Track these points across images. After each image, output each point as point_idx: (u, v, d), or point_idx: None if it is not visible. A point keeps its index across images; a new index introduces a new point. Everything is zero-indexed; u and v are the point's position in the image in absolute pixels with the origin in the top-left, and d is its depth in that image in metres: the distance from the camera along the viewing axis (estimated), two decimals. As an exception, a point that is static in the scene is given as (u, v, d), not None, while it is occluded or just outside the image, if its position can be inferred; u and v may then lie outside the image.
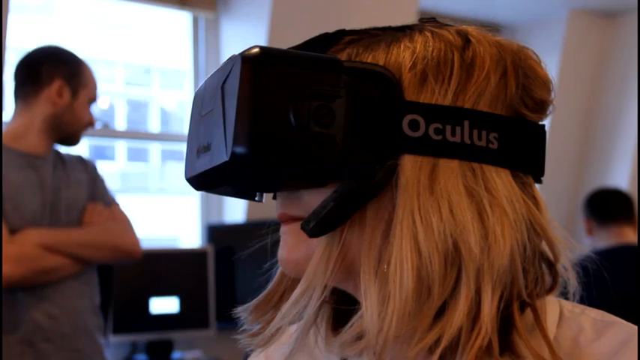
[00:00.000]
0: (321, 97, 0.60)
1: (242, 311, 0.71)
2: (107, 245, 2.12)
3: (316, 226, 0.61)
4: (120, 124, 4.72)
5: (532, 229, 0.64)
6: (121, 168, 5.45)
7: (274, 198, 0.71)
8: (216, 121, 0.62)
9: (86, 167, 2.22)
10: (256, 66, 0.59)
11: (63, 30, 4.18)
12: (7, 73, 2.48)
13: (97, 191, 2.21)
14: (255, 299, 0.72)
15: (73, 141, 2.20)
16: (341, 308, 0.69)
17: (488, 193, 0.62)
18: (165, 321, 2.92)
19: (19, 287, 1.99)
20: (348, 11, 3.29)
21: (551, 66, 4.44)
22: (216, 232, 3.26)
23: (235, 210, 3.42)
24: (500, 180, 0.63)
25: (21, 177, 2.04)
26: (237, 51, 0.62)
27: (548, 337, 0.63)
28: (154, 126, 5.14)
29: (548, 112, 0.69)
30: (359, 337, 0.62)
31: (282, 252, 0.68)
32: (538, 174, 0.67)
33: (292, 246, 0.67)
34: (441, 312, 0.60)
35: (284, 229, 0.68)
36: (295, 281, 0.70)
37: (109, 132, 3.47)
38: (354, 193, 0.61)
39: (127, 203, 2.33)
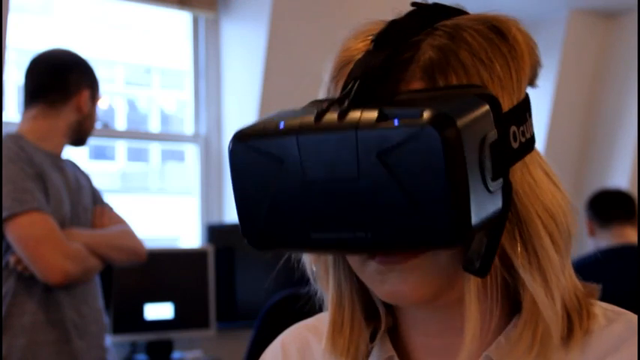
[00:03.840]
0: (493, 145, 0.59)
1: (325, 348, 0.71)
2: (127, 247, 2.19)
3: (482, 264, 0.61)
4: (120, 124, 4.72)
5: None
6: (121, 168, 5.45)
7: None
8: (377, 197, 0.56)
9: (82, 171, 2.26)
10: (452, 133, 0.54)
11: (63, 30, 4.18)
12: (6, 73, 2.48)
13: (96, 195, 2.26)
14: (327, 335, 0.71)
15: (84, 142, 2.26)
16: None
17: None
18: (165, 320, 2.92)
19: (67, 286, 2.04)
20: (348, 11, 3.29)
21: (551, 66, 4.45)
22: (216, 232, 3.25)
23: (235, 210, 3.41)
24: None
25: (56, 177, 2.09)
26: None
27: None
28: (154, 126, 5.14)
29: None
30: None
31: (403, 288, 0.64)
32: None
33: (420, 281, 0.64)
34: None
35: (402, 267, 0.64)
36: (354, 305, 0.71)
37: (109, 132, 3.46)
38: (498, 221, 0.61)
39: (127, 203, 2.34)
